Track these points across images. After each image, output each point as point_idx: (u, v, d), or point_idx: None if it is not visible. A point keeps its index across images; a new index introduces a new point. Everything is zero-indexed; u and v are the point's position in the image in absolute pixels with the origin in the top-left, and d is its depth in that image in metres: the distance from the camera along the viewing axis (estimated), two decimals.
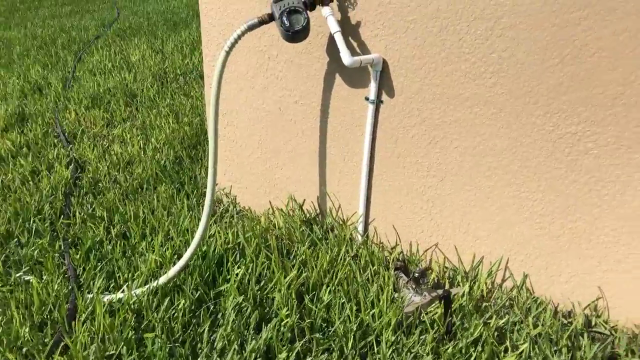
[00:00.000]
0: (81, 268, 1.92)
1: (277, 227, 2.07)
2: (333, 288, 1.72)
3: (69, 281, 1.85)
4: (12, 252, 2.03)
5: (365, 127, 1.81)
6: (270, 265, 1.81)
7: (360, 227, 1.96)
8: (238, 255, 1.91)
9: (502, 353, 1.49)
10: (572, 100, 1.42)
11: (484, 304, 1.67)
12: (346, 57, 1.60)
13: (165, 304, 1.68)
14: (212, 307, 1.70)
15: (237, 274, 1.79)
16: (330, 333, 1.58)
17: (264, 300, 1.72)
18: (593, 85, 1.38)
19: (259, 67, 1.98)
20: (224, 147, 2.26)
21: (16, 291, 1.78)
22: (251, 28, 1.64)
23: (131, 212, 2.20)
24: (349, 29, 1.72)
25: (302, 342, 1.52)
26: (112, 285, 1.84)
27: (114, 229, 2.13)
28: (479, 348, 1.49)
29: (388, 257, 1.91)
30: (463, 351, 1.49)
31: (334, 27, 1.64)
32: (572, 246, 1.57)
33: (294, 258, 1.88)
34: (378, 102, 1.76)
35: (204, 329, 1.60)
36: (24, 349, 1.54)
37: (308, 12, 1.63)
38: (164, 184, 2.48)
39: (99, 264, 1.92)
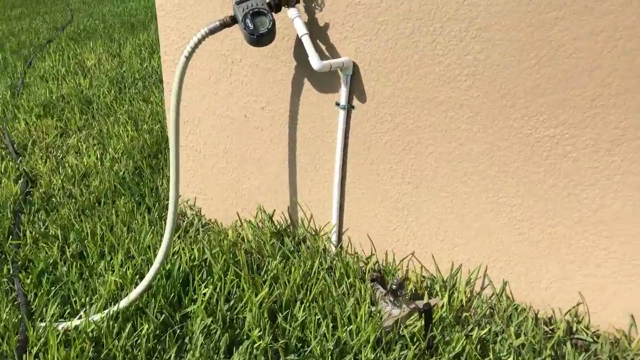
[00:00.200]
0: (32, 293, 1.77)
1: (246, 240, 1.97)
2: (307, 304, 1.63)
3: (18, 309, 1.69)
4: None
5: (336, 133, 1.72)
6: (240, 283, 1.71)
7: (334, 238, 1.88)
8: (205, 272, 1.79)
9: None
10: (549, 103, 1.38)
11: (464, 314, 1.61)
12: (315, 61, 1.51)
13: (127, 329, 1.55)
14: (178, 331, 1.58)
15: (204, 294, 1.68)
16: (306, 354, 1.49)
17: (235, 321, 1.61)
18: (571, 87, 1.34)
19: (222, 72, 1.87)
20: (186, 157, 2.13)
21: None
22: (212, 31, 1.54)
23: (88, 229, 2.05)
24: (317, 32, 1.63)
25: None
26: (67, 312, 1.69)
27: (69, 248, 1.98)
28: None
29: (364, 268, 1.83)
30: None
31: (301, 29, 1.55)
32: (552, 251, 1.53)
33: (265, 274, 1.78)
34: (349, 108, 1.68)
35: (170, 356, 1.49)
36: None
37: (273, 13, 1.54)
38: (123, 197, 2.34)
39: (53, 288, 1.76)
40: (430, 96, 1.53)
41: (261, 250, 1.88)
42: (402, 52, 1.53)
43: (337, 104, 1.68)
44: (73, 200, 2.35)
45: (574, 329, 1.55)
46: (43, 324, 1.59)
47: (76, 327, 1.57)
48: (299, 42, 1.68)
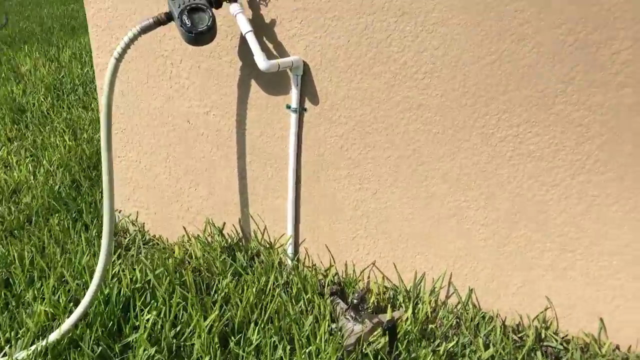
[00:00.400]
0: None
1: (194, 257, 1.81)
2: (262, 325, 1.50)
3: None
4: None
5: (288, 138, 1.60)
6: (187, 306, 1.55)
7: (290, 250, 1.75)
8: (148, 296, 1.62)
9: None
10: (511, 100, 1.30)
11: (430, 326, 1.52)
12: (261, 61, 1.38)
13: None
14: None
15: (147, 320, 1.51)
16: None
17: (182, 349, 1.46)
18: (533, 83, 1.27)
19: (161, 74, 1.71)
20: (126, 169, 1.95)
21: None
22: (145, 30, 1.38)
23: (14, 253, 1.83)
24: (263, 28, 1.50)
25: None
26: None
27: None
28: None
29: (322, 281, 1.71)
30: None
31: (244, 26, 1.41)
32: (518, 256, 1.46)
33: (215, 294, 1.63)
34: (301, 110, 1.56)
35: None
36: None
37: (213, 9, 1.40)
38: (57, 214, 2.12)
39: None
40: (386, 96, 1.43)
41: (211, 268, 1.73)
42: (355, 50, 1.42)
43: (288, 107, 1.56)
44: (0, 219, 2.12)
45: (543, 336, 1.49)
46: None
47: None
48: (243, 41, 1.54)
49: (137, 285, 1.67)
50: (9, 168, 2.62)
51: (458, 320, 1.54)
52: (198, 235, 1.89)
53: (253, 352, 1.42)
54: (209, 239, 1.87)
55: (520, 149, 1.34)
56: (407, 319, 1.51)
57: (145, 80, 1.75)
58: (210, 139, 1.73)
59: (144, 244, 1.99)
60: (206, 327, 1.45)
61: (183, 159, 1.81)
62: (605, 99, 1.22)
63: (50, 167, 2.57)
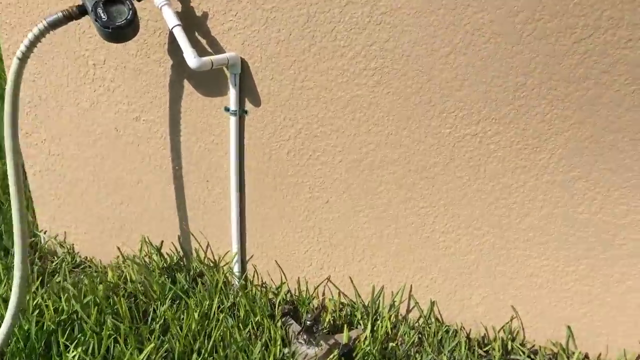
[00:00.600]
0: None
1: (129, 280, 1.62)
2: (206, 356, 1.33)
3: None
4: None
5: (229, 144, 1.44)
6: (120, 338, 1.36)
7: (237, 268, 1.59)
8: (76, 328, 1.43)
9: None
10: (469, 96, 1.19)
11: (391, 345, 1.40)
12: (191, 58, 1.22)
13: None
14: None
15: (73, 357, 1.32)
16: None
17: None
18: (491, 77, 1.16)
19: (82, 77, 1.52)
20: (49, 184, 1.74)
21: None
22: (54, 26, 1.19)
23: None
24: (195, 22, 1.34)
25: None
26: None
27: None
28: None
29: (274, 300, 1.56)
30: None
31: (171, 20, 1.25)
32: (482, 264, 1.36)
33: (152, 322, 1.45)
34: (241, 113, 1.41)
35: None
36: None
37: (134, 1, 1.23)
38: None
39: None
40: (334, 95, 1.30)
41: (147, 292, 1.54)
42: (297, 45, 1.28)
43: (227, 109, 1.40)
44: None
45: (510, 348, 1.39)
46: None
47: None
48: (173, 37, 1.37)
49: (62, 317, 1.47)
50: None
51: (420, 336, 1.43)
52: (134, 256, 1.70)
53: None
54: (146, 259, 1.68)
55: (480, 149, 1.24)
56: (365, 338, 1.38)
57: (66, 84, 1.55)
58: (141, 148, 1.55)
59: (73, 268, 1.77)
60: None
61: (113, 171, 1.62)
62: (567, 92, 1.13)
63: None
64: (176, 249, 1.66)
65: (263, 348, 1.35)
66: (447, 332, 1.43)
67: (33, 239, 1.86)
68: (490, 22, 1.12)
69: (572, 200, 1.22)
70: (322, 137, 1.36)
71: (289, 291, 1.58)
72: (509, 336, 1.40)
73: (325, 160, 1.39)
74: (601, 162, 1.16)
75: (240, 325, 1.43)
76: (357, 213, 1.42)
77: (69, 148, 1.64)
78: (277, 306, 1.52)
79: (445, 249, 1.37)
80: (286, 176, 1.44)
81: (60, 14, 1.19)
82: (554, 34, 1.09)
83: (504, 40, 1.12)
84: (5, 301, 1.50)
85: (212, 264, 1.62)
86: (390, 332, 1.44)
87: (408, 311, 1.48)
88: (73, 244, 1.80)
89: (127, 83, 1.48)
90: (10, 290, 1.56)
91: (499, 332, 1.41)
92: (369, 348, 1.35)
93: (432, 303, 1.45)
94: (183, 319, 1.43)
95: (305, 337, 1.36)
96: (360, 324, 1.47)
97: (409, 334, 1.42)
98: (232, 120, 1.40)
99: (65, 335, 1.38)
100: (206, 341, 1.38)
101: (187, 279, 1.59)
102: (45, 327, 1.42)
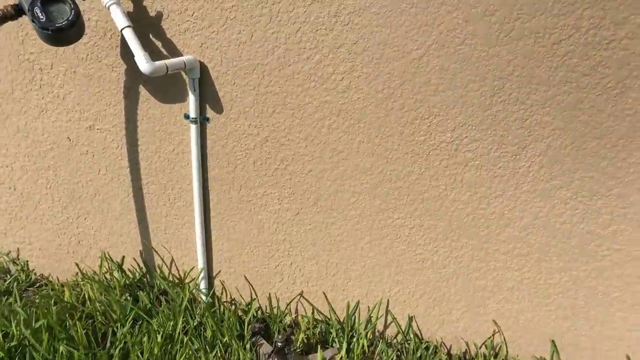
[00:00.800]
0: None
1: (88, 299, 1.51)
2: None
3: None
4: None
5: (190, 154, 1.34)
6: None
7: (203, 285, 1.49)
8: (27, 355, 1.31)
9: None
10: (444, 101, 1.12)
11: None
12: (143, 63, 1.12)
13: None
14: None
15: None
16: None
17: None
18: (466, 81, 1.09)
19: (29, 83, 1.40)
20: None
21: None
22: None
23: None
24: (147, 23, 1.24)
25: None
26: None
27: None
28: None
29: (243, 317, 1.47)
30: None
31: (120, 20, 1.14)
32: (461, 277, 1.29)
33: (111, 346, 1.35)
34: (202, 120, 1.31)
35: None
36: None
37: (77, 1, 1.12)
38: None
39: None
40: (301, 102, 1.21)
41: (107, 313, 1.44)
42: (260, 47, 1.18)
43: (187, 117, 1.30)
44: None
45: None
46: None
47: None
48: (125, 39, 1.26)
49: (12, 344, 1.35)
50: None
51: (399, 354, 1.35)
52: (94, 272, 1.59)
53: None
54: (107, 276, 1.57)
55: (457, 157, 1.16)
56: (341, 358, 1.30)
57: (11, 91, 1.43)
58: (96, 159, 1.44)
59: (28, 286, 1.65)
60: None
61: (67, 183, 1.51)
62: (547, 96, 1.06)
63: None
64: (138, 265, 1.56)
65: None
66: (426, 348, 1.36)
67: None
68: (465, 22, 1.04)
69: (554, 210, 1.15)
70: (290, 146, 1.27)
71: (259, 308, 1.49)
72: (491, 352, 1.34)
73: (294, 170, 1.30)
74: (583, 169, 1.10)
75: (206, 347, 1.34)
76: (330, 225, 1.33)
77: (18, 159, 1.51)
78: (246, 324, 1.43)
79: (422, 261, 1.30)
80: (253, 187, 1.35)
81: None
82: (532, 35, 1.02)
83: (479, 42, 1.05)
84: None
85: (177, 281, 1.52)
86: (367, 351, 1.36)
87: (385, 327, 1.41)
88: (27, 261, 1.68)
89: (78, 89, 1.37)
90: None
91: (480, 347, 1.35)
92: None
93: (411, 318, 1.38)
94: (145, 342, 1.33)
95: (276, 359, 1.27)
96: (335, 342, 1.39)
97: (387, 352, 1.34)
98: (193, 129, 1.30)
99: None
100: None
101: (151, 296, 1.49)
102: None
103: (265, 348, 1.35)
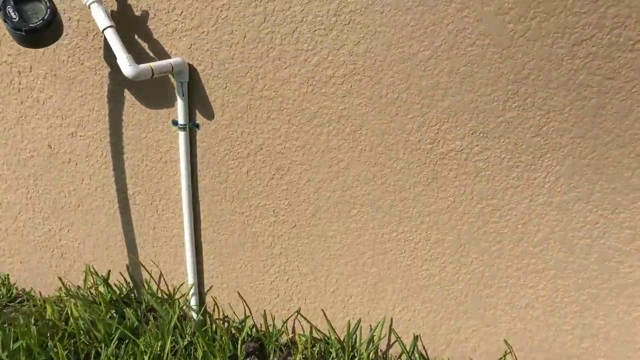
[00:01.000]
0: None
1: (71, 317, 1.41)
2: None
3: None
4: None
5: (179, 163, 1.25)
6: None
7: (194, 301, 1.40)
8: None
9: None
10: (453, 107, 1.03)
11: None
12: (125, 66, 1.03)
13: None
14: None
15: None
16: None
17: None
18: (478, 85, 1.00)
19: (6, 86, 1.31)
20: None
21: None
22: None
23: None
24: (132, 23, 1.15)
25: None
26: None
27: None
28: None
29: (237, 336, 1.38)
30: None
31: (102, 20, 1.05)
32: (470, 294, 1.20)
33: None
34: (192, 127, 1.22)
35: None
36: None
37: None
38: None
39: None
40: (298, 107, 1.12)
41: (91, 332, 1.35)
42: (254, 48, 1.10)
43: (175, 123, 1.21)
44: None
45: None
46: None
47: None
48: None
49: None
50: None
51: None
52: (78, 287, 1.50)
53: None
54: (92, 291, 1.48)
55: (467, 167, 1.07)
56: None
57: None
58: (80, 167, 1.35)
59: (9, 302, 1.56)
60: None
61: (49, 193, 1.41)
62: (566, 101, 0.97)
63: None
64: (125, 280, 1.46)
65: None
66: None
67: None
68: (477, 21, 0.95)
69: (572, 223, 1.07)
70: (287, 154, 1.18)
71: (254, 326, 1.40)
72: None
73: (291, 180, 1.21)
74: (604, 181, 1.01)
75: None
76: (329, 239, 1.25)
77: None
78: (240, 344, 1.34)
79: (428, 278, 1.21)
80: (247, 198, 1.26)
81: None
82: (551, 35, 0.93)
83: (492, 43, 0.96)
84: None
85: (166, 296, 1.43)
86: None
87: (389, 347, 1.32)
88: (8, 275, 1.58)
89: (59, 93, 1.28)
90: None
91: None
92: None
93: (416, 338, 1.29)
94: None
95: None
96: None
97: None
98: (182, 136, 1.21)
99: None
100: None
101: (139, 313, 1.40)
102: None
103: None
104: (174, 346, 1.31)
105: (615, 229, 1.05)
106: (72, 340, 1.35)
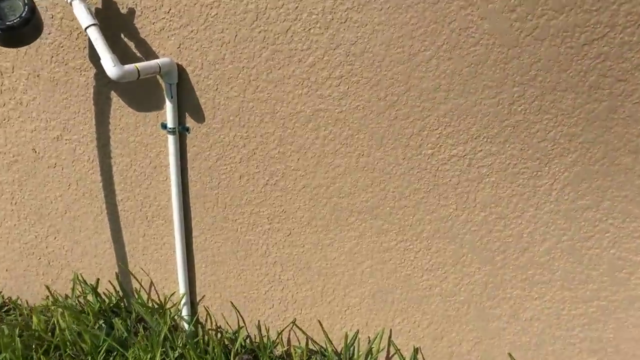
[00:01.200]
0: None
1: (57, 328, 1.36)
2: None
3: None
4: None
5: (169, 168, 1.20)
6: None
7: (186, 311, 1.35)
8: None
9: None
10: (455, 110, 0.97)
11: None
12: (110, 67, 0.97)
13: None
14: None
15: None
16: None
17: None
18: (481, 87, 0.94)
19: None
20: None
21: None
22: None
23: None
24: (118, 21, 1.09)
25: None
26: None
27: None
28: None
29: (230, 347, 1.33)
30: None
31: (84, 18, 1.00)
32: (473, 306, 1.15)
33: None
34: (182, 131, 1.16)
35: None
36: None
37: None
38: None
39: None
40: (293, 110, 1.07)
41: (77, 343, 1.29)
42: (246, 48, 1.04)
43: (164, 127, 1.16)
44: None
45: None
46: None
47: None
48: None
49: None
50: None
51: None
52: (66, 296, 1.45)
53: None
54: (80, 300, 1.43)
55: (469, 173, 1.02)
56: None
57: None
58: (66, 172, 1.30)
59: None
60: None
61: (34, 199, 1.36)
62: (575, 105, 0.92)
63: None
64: (115, 289, 1.41)
65: None
66: None
67: None
68: (481, 19, 0.90)
69: (580, 233, 1.01)
70: (281, 159, 1.13)
71: (247, 337, 1.35)
72: None
73: (286, 186, 1.15)
74: (615, 188, 0.96)
75: None
76: (326, 247, 1.19)
77: None
78: (233, 356, 1.29)
79: (429, 288, 1.16)
80: (239, 205, 1.21)
81: None
82: (560, 34, 0.88)
83: (497, 42, 0.90)
84: None
85: (157, 306, 1.38)
86: None
87: (388, 359, 1.27)
88: None
89: (43, 95, 1.22)
90: None
91: None
92: None
93: (416, 350, 1.24)
94: None
95: None
96: None
97: None
98: (171, 140, 1.15)
99: None
100: None
101: (128, 324, 1.35)
102: None
103: None
104: (164, 359, 1.26)
105: (626, 239, 0.99)
106: (57, 353, 1.29)
